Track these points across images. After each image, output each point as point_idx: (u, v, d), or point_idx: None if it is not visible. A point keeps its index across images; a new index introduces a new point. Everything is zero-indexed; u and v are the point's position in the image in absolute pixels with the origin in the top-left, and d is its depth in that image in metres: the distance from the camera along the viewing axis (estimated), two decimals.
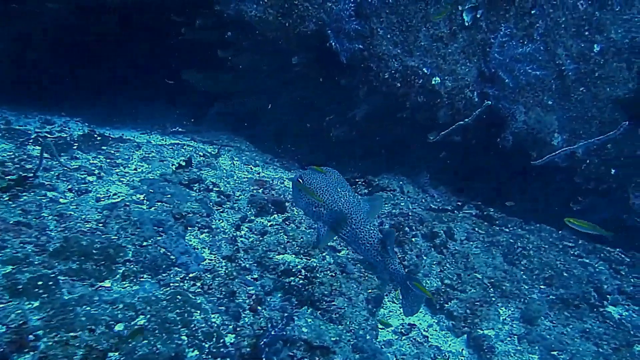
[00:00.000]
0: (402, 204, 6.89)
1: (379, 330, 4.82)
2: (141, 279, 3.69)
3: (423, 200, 7.78)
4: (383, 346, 4.56)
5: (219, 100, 6.19)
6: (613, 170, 9.19)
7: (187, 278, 3.90)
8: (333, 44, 6.29)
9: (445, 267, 6.09)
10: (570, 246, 8.37)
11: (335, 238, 4.17)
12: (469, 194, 8.44)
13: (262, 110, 7.02)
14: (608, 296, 6.70)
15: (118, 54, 5.88)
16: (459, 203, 8.14)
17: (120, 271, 3.66)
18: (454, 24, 7.42)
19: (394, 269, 3.82)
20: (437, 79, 7.34)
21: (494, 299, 5.76)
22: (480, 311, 5.40)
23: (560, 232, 8.71)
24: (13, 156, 4.53)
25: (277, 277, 4.64)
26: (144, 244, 3.94)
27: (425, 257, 6.05)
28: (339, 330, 4.38)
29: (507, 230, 7.55)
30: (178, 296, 3.60)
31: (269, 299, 4.40)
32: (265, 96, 6.82)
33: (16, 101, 5.54)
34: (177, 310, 3.46)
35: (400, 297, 3.94)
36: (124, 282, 3.60)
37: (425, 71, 7.24)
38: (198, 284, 3.91)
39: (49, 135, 5.04)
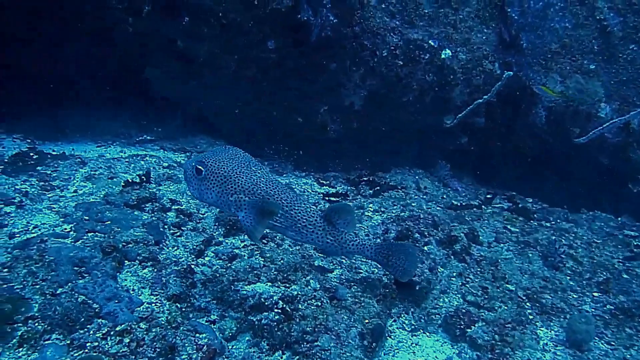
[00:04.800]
0: (413, 204, 5.79)
1: None
2: (46, 342, 2.88)
3: (444, 197, 6.64)
4: None
5: (187, 104, 5.34)
6: None
7: (111, 333, 3.06)
8: (312, 19, 5.28)
9: (468, 280, 4.99)
10: (632, 236, 6.97)
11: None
12: (499, 183, 7.21)
13: (242, 110, 6.11)
14: None
15: (58, 57, 5.11)
16: (489, 196, 6.93)
17: (19, 334, 2.86)
18: None
19: (357, 245, 3.28)
20: (448, 51, 6.17)
21: (531, 317, 4.61)
22: (512, 336, 4.28)
23: (619, 219, 7.30)
24: None
25: (244, 315, 3.72)
26: (58, 291, 3.13)
27: (442, 269, 4.96)
28: None
29: (547, 225, 6.30)
30: None
31: (230, 347, 3.50)
32: (241, 92, 5.90)
33: None
34: None
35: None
36: (20, 350, 2.80)
37: (432, 44, 6.09)
38: (126, 340, 3.05)
39: None
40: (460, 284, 4.92)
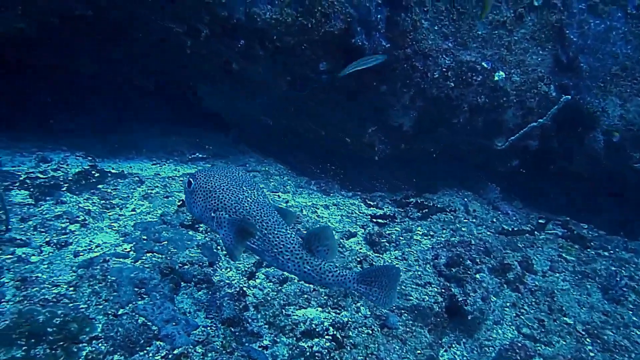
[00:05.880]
0: (463, 228, 5.65)
1: None
2: None
3: (494, 221, 6.45)
4: None
5: (238, 123, 5.44)
6: None
7: (170, 357, 3.10)
8: (366, 44, 5.28)
9: (522, 311, 4.80)
10: None
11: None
12: (551, 208, 6.95)
13: (291, 129, 6.17)
14: None
15: (118, 75, 5.30)
16: (541, 221, 6.67)
17: (84, 354, 2.93)
18: (519, 6, 6.08)
19: (336, 277, 2.90)
20: (501, 73, 6.04)
21: (592, 354, 4.38)
22: None
23: None
24: None
25: (295, 341, 3.70)
26: (119, 312, 3.21)
27: (494, 299, 4.79)
28: None
29: (605, 254, 6.00)
30: None
31: None
32: (291, 112, 5.96)
33: (15, 137, 5.10)
34: None
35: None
36: None
37: (485, 65, 5.98)
38: None
39: (41, 176, 4.52)
40: (514, 315, 4.74)
